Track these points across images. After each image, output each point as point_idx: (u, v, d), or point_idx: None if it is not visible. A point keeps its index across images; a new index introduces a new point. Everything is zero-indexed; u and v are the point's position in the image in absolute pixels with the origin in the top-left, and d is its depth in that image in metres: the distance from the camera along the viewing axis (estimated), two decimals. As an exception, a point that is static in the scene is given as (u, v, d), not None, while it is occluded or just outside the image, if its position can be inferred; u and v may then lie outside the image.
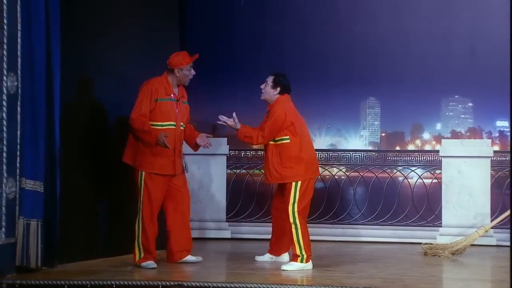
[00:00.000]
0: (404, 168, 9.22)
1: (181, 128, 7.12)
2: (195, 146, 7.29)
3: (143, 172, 7.00)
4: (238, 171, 9.40)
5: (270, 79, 7.08)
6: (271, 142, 6.99)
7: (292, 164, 6.91)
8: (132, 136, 7.07)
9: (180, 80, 7.09)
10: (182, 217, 7.18)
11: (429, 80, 9.25)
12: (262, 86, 7.11)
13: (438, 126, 9.45)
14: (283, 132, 6.93)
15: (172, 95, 7.05)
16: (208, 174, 9.22)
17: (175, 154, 7.05)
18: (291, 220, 6.88)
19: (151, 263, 6.98)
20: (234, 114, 7.02)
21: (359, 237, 9.07)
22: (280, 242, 7.28)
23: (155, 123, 6.95)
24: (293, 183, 6.90)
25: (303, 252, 6.86)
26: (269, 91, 7.07)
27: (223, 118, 7.03)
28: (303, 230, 6.89)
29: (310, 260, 6.91)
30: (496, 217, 8.34)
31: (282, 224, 7.10)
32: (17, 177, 6.41)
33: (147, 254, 7.02)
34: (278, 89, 7.05)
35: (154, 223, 7.05)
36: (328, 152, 9.34)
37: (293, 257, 6.94)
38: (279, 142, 6.96)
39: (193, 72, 7.12)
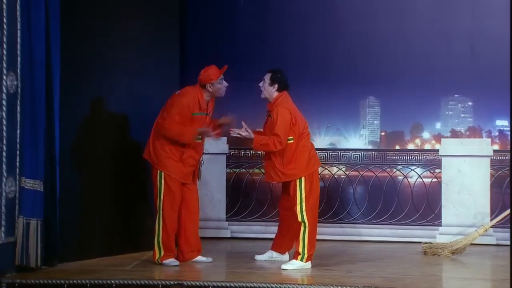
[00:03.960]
0: (404, 167, 9.22)
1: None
2: (217, 128, 7.25)
3: (162, 173, 7.03)
4: (238, 170, 9.40)
5: (267, 77, 7.09)
6: None
7: (294, 162, 6.92)
8: (155, 135, 7.10)
9: (214, 94, 7.11)
10: (191, 218, 7.20)
11: (429, 80, 9.26)
12: (261, 84, 7.12)
13: (438, 125, 9.46)
14: (289, 133, 6.95)
15: (205, 109, 7.10)
16: (208, 173, 9.18)
17: (197, 163, 7.17)
18: (300, 219, 6.89)
19: (173, 261, 7.05)
20: (243, 123, 7.02)
21: (359, 236, 9.07)
22: (283, 240, 7.29)
23: None
24: (297, 181, 6.92)
25: (305, 251, 6.88)
26: (267, 89, 7.07)
27: (235, 131, 7.01)
28: (310, 229, 6.89)
29: (310, 261, 6.92)
30: (496, 216, 8.34)
31: (289, 223, 7.11)
32: (17, 176, 6.41)
33: (168, 252, 7.07)
34: (276, 86, 7.05)
35: (174, 220, 7.10)
36: (328, 151, 9.34)
37: (294, 254, 6.95)
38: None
39: (225, 83, 7.14)
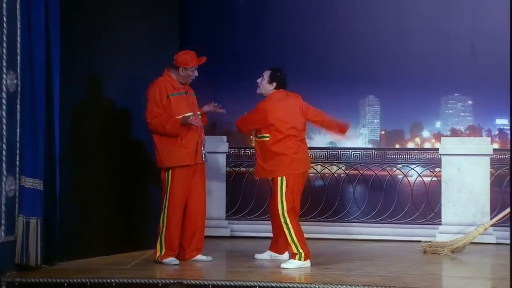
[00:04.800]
0: (404, 166, 9.22)
1: (199, 116, 7.19)
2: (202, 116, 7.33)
3: (170, 170, 7.04)
4: (237, 169, 9.40)
5: (266, 74, 7.11)
6: (255, 138, 7.08)
7: (273, 159, 6.94)
8: (155, 138, 7.10)
9: (182, 78, 7.13)
10: (195, 217, 7.19)
11: (428, 78, 9.25)
12: (259, 80, 7.14)
13: (438, 124, 9.45)
14: (263, 130, 6.97)
15: (181, 89, 7.12)
16: (208, 172, 9.16)
17: (198, 143, 7.11)
18: (282, 220, 6.91)
19: (173, 260, 7.05)
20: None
21: (359, 235, 9.07)
22: (279, 242, 7.29)
23: None
24: (278, 179, 6.93)
25: (300, 250, 6.88)
26: (265, 86, 7.10)
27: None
28: (295, 228, 6.89)
29: (309, 259, 6.91)
30: (496, 215, 8.33)
31: (280, 223, 7.11)
32: (17, 175, 6.41)
33: (168, 251, 7.07)
34: (274, 84, 7.08)
35: (179, 220, 7.09)
36: (328, 150, 9.34)
37: (292, 256, 6.95)
38: (260, 139, 7.03)
39: (196, 73, 7.17)
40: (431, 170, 9.11)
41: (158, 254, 7.09)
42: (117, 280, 6.11)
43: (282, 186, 6.93)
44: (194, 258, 7.21)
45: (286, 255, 7.29)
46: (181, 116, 6.95)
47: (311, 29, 9.53)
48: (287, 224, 6.90)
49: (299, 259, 6.88)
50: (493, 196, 8.79)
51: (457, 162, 8.90)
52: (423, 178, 9.12)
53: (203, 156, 7.18)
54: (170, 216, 7.05)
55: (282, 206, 6.91)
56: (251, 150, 9.30)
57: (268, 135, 6.97)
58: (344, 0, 9.56)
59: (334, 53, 9.47)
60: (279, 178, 6.94)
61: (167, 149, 7.03)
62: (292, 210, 6.94)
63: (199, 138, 7.12)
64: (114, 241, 7.58)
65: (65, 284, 6.09)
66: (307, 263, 6.91)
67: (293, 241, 6.88)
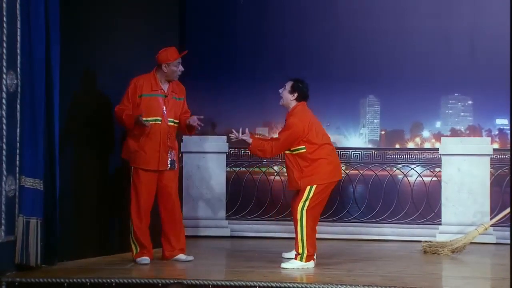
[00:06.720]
0: (404, 166, 9.22)
1: (170, 123, 7.10)
2: (188, 129, 7.22)
3: (132, 168, 7.08)
4: (237, 169, 9.39)
5: (288, 84, 7.03)
6: (287, 152, 6.94)
7: (311, 165, 6.85)
8: (127, 133, 7.13)
9: (168, 76, 7.10)
10: (170, 216, 7.16)
11: (428, 78, 9.27)
12: (280, 91, 7.07)
13: (438, 124, 9.46)
14: (299, 143, 6.91)
15: (159, 90, 7.07)
16: (208, 172, 9.21)
17: (161, 149, 7.03)
18: (298, 217, 6.82)
19: (143, 259, 7.04)
20: (246, 130, 6.98)
21: (359, 235, 9.07)
22: None
23: None
24: (307, 187, 6.87)
25: (305, 251, 6.84)
26: (286, 96, 7.02)
27: (235, 133, 6.97)
28: (308, 230, 6.82)
29: (312, 260, 6.89)
30: (496, 215, 8.33)
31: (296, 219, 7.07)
32: (17, 175, 6.40)
33: (142, 249, 7.08)
34: (295, 94, 6.99)
35: (141, 219, 7.07)
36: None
37: (295, 255, 6.92)
38: (296, 152, 6.89)
39: (181, 68, 7.11)
40: (431, 170, 9.11)
41: (134, 252, 7.11)
42: (117, 280, 6.10)
43: (311, 190, 6.86)
44: (175, 257, 7.16)
45: (292, 254, 7.21)
46: (140, 114, 6.89)
47: (311, 29, 9.54)
48: (301, 222, 6.83)
49: (300, 260, 6.86)
50: (493, 196, 8.80)
51: (457, 162, 8.91)
52: (423, 178, 9.12)
53: (169, 163, 7.09)
54: (132, 216, 7.06)
55: (304, 205, 6.82)
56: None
57: (304, 146, 6.88)
58: (344, 0, 9.57)
59: (334, 53, 9.48)
60: (308, 187, 6.83)
61: (132, 148, 7.04)
62: (312, 210, 6.90)
63: (162, 144, 7.03)
64: (114, 241, 7.58)
65: (65, 284, 6.08)
66: (309, 264, 6.86)
67: (302, 241, 6.82)
